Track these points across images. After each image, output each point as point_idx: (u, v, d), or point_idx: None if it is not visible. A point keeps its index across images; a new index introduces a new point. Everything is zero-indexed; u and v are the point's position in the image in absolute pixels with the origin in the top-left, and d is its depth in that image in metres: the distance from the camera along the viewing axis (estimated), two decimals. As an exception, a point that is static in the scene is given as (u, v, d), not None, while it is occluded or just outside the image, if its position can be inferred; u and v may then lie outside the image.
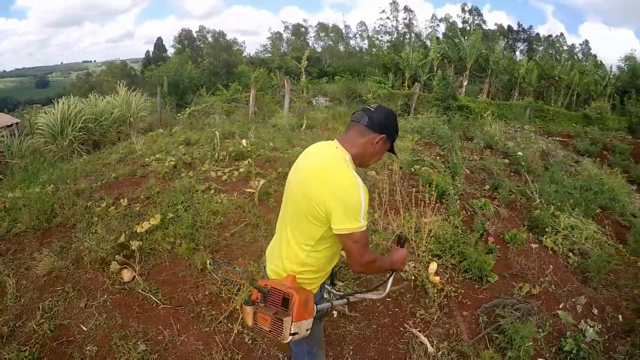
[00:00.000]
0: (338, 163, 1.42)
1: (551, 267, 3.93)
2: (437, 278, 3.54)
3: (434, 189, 4.33)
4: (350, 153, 1.47)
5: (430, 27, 35.83)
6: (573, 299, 3.52)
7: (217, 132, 5.89)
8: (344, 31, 36.73)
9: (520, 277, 3.76)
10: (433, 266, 3.68)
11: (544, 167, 6.87)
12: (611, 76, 13.76)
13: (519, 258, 4.03)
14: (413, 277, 3.42)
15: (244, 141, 5.34)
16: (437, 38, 15.03)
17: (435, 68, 13.78)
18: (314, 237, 1.46)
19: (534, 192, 5.31)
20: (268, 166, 5.23)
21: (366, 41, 33.80)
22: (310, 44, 35.16)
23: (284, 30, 37.53)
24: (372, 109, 1.53)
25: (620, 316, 3.31)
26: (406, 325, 2.93)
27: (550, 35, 33.72)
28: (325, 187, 1.38)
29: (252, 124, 7.57)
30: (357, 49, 34.28)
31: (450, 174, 5.82)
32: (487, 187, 5.91)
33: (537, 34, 34.21)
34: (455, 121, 8.86)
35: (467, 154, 7.10)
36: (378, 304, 3.13)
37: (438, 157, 6.46)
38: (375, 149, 1.50)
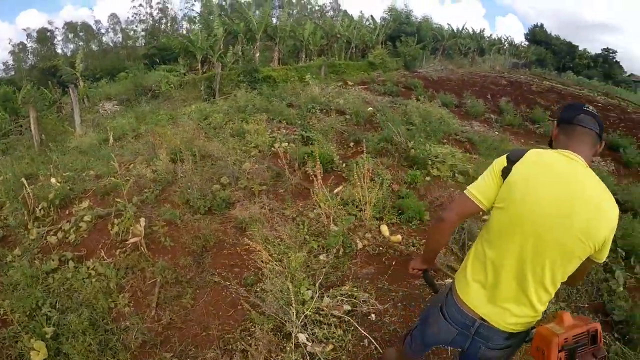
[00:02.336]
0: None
1: (451, 189, 5.17)
2: (398, 236, 3.94)
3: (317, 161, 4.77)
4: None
5: (186, 7, 38.28)
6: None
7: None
8: (94, 27, 36.14)
9: (441, 205, 4.71)
10: (384, 228, 4.08)
11: (378, 113, 8.56)
12: (380, 27, 19.18)
13: (427, 192, 5.00)
14: (380, 248, 3.72)
15: (52, 180, 4.62)
16: (220, 15, 15.54)
17: (221, 45, 14.31)
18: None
19: (400, 135, 6.57)
20: (108, 200, 4.33)
21: (120, 35, 34.78)
22: (60, 49, 33.60)
23: (27, 39, 34.66)
24: (594, 111, 1.47)
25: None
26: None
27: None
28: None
29: (48, 155, 6.50)
30: (112, 44, 33.99)
31: (310, 143, 6.34)
32: (351, 144, 6.82)
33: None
34: (267, 92, 9.74)
35: (313, 120, 7.91)
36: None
37: (284, 130, 6.89)
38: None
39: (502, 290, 1.45)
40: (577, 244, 1.33)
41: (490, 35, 28.98)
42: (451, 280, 1.76)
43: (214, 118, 6.62)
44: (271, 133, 6.49)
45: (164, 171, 4.41)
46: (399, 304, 3.03)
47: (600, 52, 39.31)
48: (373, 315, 2.84)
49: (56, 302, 2.75)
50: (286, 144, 6.10)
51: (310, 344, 2.35)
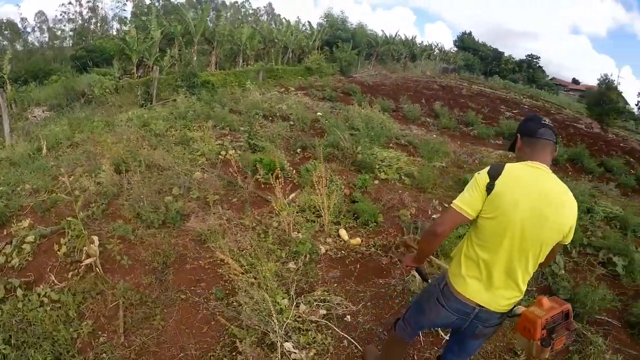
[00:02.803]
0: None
1: (400, 191, 5.58)
2: (357, 239, 4.20)
3: (267, 168, 4.93)
4: None
5: (117, 7, 36.18)
6: (430, 205, 5.26)
7: None
8: (20, 26, 31.61)
9: (393, 207, 5.07)
10: (343, 232, 4.31)
11: (321, 119, 8.85)
12: (317, 32, 19.70)
13: (378, 195, 5.34)
14: (341, 251, 3.94)
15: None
16: (158, 17, 14.76)
17: (158, 48, 13.70)
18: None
19: (346, 140, 6.88)
20: (50, 217, 4.02)
21: (47, 34, 31.71)
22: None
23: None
24: (550, 124, 1.84)
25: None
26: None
27: (236, 1, 40.39)
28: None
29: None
30: (37, 44, 30.72)
31: (254, 151, 6.41)
32: (299, 150, 7.00)
33: (224, 1, 40.00)
34: (206, 98, 9.60)
35: (257, 127, 7.96)
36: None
37: (229, 137, 6.88)
38: None
39: (495, 281, 1.79)
40: (551, 235, 1.72)
41: (422, 41, 31.40)
42: (438, 276, 2.12)
43: (155, 125, 6.37)
44: (216, 140, 6.45)
45: (109, 183, 4.18)
46: (369, 304, 3.26)
47: (524, 57, 44.28)
48: (348, 317, 3.02)
49: (10, 338, 2.48)
50: (233, 151, 6.10)
51: (296, 351, 2.45)
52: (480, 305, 1.81)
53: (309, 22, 23.11)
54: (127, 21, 15.25)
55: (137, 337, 2.64)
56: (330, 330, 2.82)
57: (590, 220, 5.38)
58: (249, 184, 4.92)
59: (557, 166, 8.51)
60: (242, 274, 3.04)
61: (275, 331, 2.44)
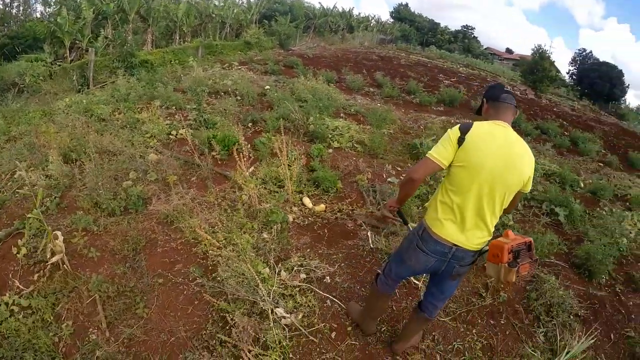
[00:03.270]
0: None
1: (354, 158, 5.73)
2: (322, 206, 4.28)
3: (223, 144, 4.86)
4: None
5: None
6: (384, 169, 5.48)
7: None
8: None
9: (350, 173, 5.21)
10: (307, 201, 4.37)
11: (268, 92, 8.65)
12: (254, 6, 18.80)
13: (334, 163, 5.43)
14: (308, 218, 4.04)
15: None
16: None
17: (90, 29, 12.25)
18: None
19: (297, 112, 6.83)
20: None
21: None
22: None
23: None
24: (511, 90, 2.06)
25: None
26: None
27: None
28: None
29: None
30: None
31: (208, 127, 6.20)
32: (249, 124, 6.85)
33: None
34: (147, 78, 8.97)
35: (203, 104, 7.61)
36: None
37: (177, 116, 6.56)
38: None
39: (468, 223, 2.02)
40: (514, 182, 1.97)
41: (359, 13, 31.19)
42: (414, 227, 2.28)
43: (98, 110, 5.85)
44: (164, 120, 6.10)
45: (59, 175, 3.83)
46: (343, 264, 3.38)
47: (459, 28, 45.64)
48: (327, 278, 3.13)
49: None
50: (183, 130, 5.82)
51: (288, 315, 2.52)
52: (456, 245, 2.03)
53: None
54: (52, 2, 13.36)
55: (122, 328, 2.51)
56: (313, 293, 2.91)
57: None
58: (207, 162, 4.77)
59: None
60: (219, 249, 3.00)
61: (264, 299, 2.48)
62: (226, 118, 6.50)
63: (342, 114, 7.75)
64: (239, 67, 11.03)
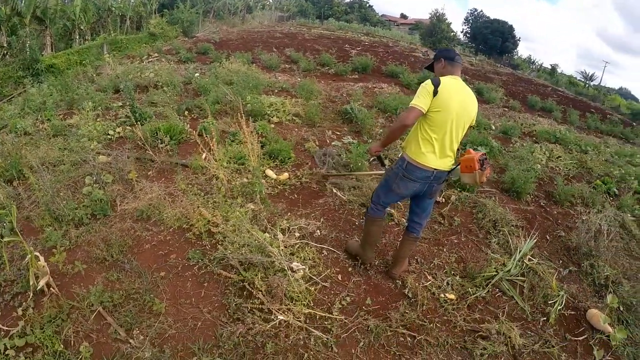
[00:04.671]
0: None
1: (296, 130, 5.80)
2: (285, 174, 4.32)
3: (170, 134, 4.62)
4: None
5: None
6: (326, 135, 5.65)
7: None
8: None
9: (297, 143, 5.27)
10: (270, 172, 4.35)
11: (192, 81, 8.11)
12: None
13: (281, 136, 5.43)
14: (276, 187, 4.08)
15: None
16: None
17: None
18: None
19: (231, 94, 6.55)
20: None
21: None
22: None
23: None
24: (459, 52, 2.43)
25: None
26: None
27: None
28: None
29: None
30: None
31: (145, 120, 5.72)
32: (185, 113, 6.45)
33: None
34: (59, 82, 7.81)
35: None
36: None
37: (107, 116, 5.93)
38: None
39: (442, 151, 2.49)
40: (469, 119, 2.52)
41: None
42: (395, 164, 2.71)
43: (17, 124, 4.97)
44: (95, 122, 5.45)
45: (4, 197, 3.26)
46: (322, 219, 3.50)
47: None
48: (317, 232, 3.24)
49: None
50: (120, 128, 5.29)
51: (303, 266, 2.60)
52: (436, 169, 2.49)
53: None
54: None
55: (144, 330, 2.27)
56: (309, 247, 3.00)
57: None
58: (161, 154, 4.46)
59: (409, 89, 9.66)
60: (216, 225, 2.91)
61: (279, 258, 2.52)
62: (165, 110, 6.03)
63: (270, 92, 7.64)
64: (151, 60, 10.08)
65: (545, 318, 2.82)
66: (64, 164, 4.01)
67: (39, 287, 2.29)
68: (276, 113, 6.38)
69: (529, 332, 2.68)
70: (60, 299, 2.40)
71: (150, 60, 10.06)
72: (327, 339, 2.34)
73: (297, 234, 3.10)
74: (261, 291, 2.38)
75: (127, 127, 5.27)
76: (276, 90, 7.87)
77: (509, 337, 2.54)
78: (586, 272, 3.37)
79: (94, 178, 3.77)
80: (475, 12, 31.44)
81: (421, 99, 2.37)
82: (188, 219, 3.19)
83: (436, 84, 2.36)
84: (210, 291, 2.61)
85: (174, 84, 7.21)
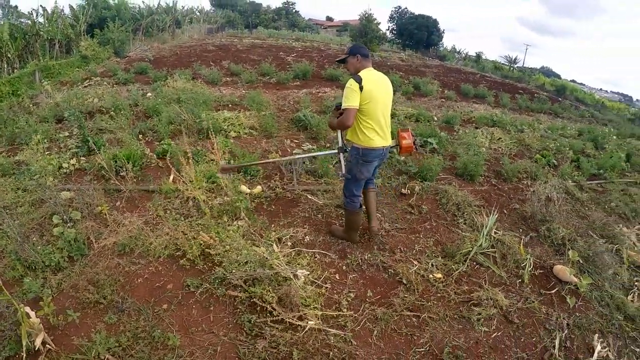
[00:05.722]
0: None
1: (255, 142, 5.72)
2: (258, 187, 4.23)
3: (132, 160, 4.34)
4: None
5: None
6: (285, 144, 5.61)
7: None
8: None
9: (261, 155, 5.17)
10: (243, 187, 4.21)
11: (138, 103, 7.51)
12: (81, 16, 14.75)
13: (242, 149, 5.29)
14: (253, 201, 3.97)
15: None
16: None
17: None
18: None
19: (184, 112, 6.19)
20: None
21: None
22: None
23: None
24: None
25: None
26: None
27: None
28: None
29: None
30: None
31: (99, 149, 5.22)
32: (139, 136, 5.98)
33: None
34: None
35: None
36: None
37: (55, 148, 5.33)
38: None
39: (382, 132, 2.88)
40: (390, 102, 2.94)
41: (183, 7, 27.75)
42: (350, 156, 3.01)
43: None
44: (44, 156, 4.84)
45: None
46: (305, 225, 3.52)
47: (280, 5, 44.20)
48: (307, 238, 3.24)
49: None
50: (74, 160, 4.76)
51: (308, 273, 2.58)
52: (384, 147, 2.90)
53: (70, 6, 17.28)
54: None
55: None
56: (302, 253, 3.01)
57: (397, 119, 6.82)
58: (126, 183, 4.11)
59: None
60: (212, 248, 2.76)
61: (284, 268, 2.48)
62: (111, 136, 5.55)
63: (220, 107, 7.36)
64: (88, 84, 9.17)
65: (520, 280, 3.13)
66: (21, 206, 3.54)
67: (36, 347, 2.01)
68: (233, 128, 6.21)
69: (511, 294, 2.97)
70: (60, 355, 2.13)
71: (86, 85, 9.13)
72: (345, 334, 2.38)
73: (289, 243, 3.07)
74: (272, 303, 2.33)
75: (82, 158, 4.79)
76: (226, 105, 7.60)
77: (496, 301, 2.78)
78: (545, 236, 3.79)
79: (62, 217, 3.39)
80: (400, 10, 31.48)
81: (351, 98, 2.69)
82: (177, 246, 3.00)
83: (359, 81, 2.69)
84: (219, 313, 2.49)
85: (120, 108, 6.64)
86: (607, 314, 3.04)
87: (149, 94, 7.53)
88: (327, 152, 3.97)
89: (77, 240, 3.05)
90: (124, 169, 4.26)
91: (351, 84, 2.68)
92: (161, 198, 3.89)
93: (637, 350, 2.84)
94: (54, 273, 2.77)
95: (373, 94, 2.71)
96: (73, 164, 4.62)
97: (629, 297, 3.23)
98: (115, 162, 4.36)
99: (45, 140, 5.21)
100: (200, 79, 10.29)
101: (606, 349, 2.77)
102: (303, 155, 4.18)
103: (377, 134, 2.82)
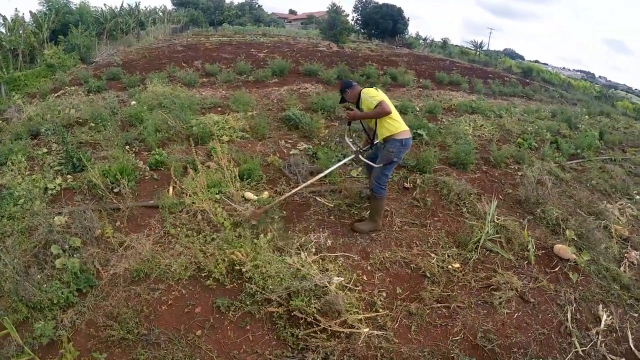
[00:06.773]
0: None
1: (249, 145, 5.41)
2: (265, 193, 3.98)
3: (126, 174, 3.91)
4: None
5: None
6: (281, 145, 5.34)
7: None
8: None
9: (260, 159, 4.90)
10: (249, 194, 3.95)
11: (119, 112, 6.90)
12: (44, 22, 13.07)
13: (238, 155, 5.00)
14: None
15: None
16: None
17: None
18: None
19: (172, 119, 5.72)
20: None
21: None
22: None
23: None
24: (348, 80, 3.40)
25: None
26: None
27: None
28: None
29: None
30: None
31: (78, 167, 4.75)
32: (127, 147, 5.51)
33: None
34: None
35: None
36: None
37: (36, 167, 4.77)
38: None
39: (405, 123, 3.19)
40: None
41: (146, 7, 25.75)
42: (389, 150, 3.15)
43: None
44: (26, 176, 4.32)
45: None
46: (322, 228, 3.35)
47: (243, 1, 41.74)
48: (328, 242, 3.08)
49: None
50: (60, 178, 4.28)
51: (341, 279, 2.45)
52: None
53: (31, 12, 15.50)
54: None
55: None
56: (328, 258, 2.85)
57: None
58: (124, 200, 3.73)
59: (330, 84, 9.43)
60: (243, 264, 2.53)
61: (320, 277, 2.33)
62: (95, 149, 5.06)
63: (204, 110, 6.90)
64: (60, 94, 8.33)
65: (527, 261, 3.15)
66: (9, 236, 3.11)
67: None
68: (224, 132, 5.84)
69: (522, 275, 3.00)
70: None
71: (58, 95, 8.28)
72: (386, 334, 2.30)
73: (313, 249, 2.89)
74: (313, 314, 2.17)
75: (68, 176, 4.32)
76: (210, 107, 7.14)
77: (512, 283, 2.79)
78: (540, 218, 3.84)
79: (61, 245, 3.01)
80: (364, 0, 30.16)
81: (377, 96, 3.09)
82: (198, 264, 2.74)
83: (370, 88, 3.19)
84: (257, 331, 2.30)
85: (101, 118, 6.05)
86: (606, 285, 3.15)
87: (133, 102, 6.92)
88: (345, 160, 3.77)
89: (83, 271, 2.71)
90: (119, 185, 3.85)
91: (368, 91, 3.16)
92: (166, 214, 3.57)
93: (636, 315, 2.95)
94: (63, 311, 2.43)
95: (382, 96, 3.12)
96: (59, 184, 4.15)
97: (622, 268, 3.35)
98: (107, 177, 3.96)
99: (24, 159, 4.65)
100: (176, 81, 9.63)
101: (610, 317, 2.86)
102: (325, 173, 3.74)
103: (404, 123, 3.15)
